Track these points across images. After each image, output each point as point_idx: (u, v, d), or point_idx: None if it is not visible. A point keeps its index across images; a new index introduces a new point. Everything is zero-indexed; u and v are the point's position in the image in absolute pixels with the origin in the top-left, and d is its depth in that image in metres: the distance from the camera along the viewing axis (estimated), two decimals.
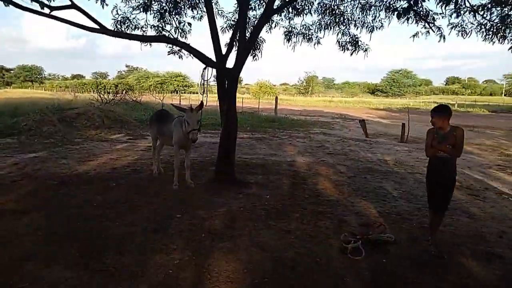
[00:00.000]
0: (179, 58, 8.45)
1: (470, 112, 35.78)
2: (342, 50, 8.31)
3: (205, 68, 7.07)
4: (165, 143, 7.64)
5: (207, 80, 7.30)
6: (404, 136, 14.13)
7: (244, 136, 14.05)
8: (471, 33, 6.45)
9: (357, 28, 7.96)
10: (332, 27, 8.09)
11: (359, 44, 8.20)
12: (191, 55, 7.12)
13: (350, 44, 8.26)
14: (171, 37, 7.85)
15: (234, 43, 7.49)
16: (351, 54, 8.28)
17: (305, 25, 8.41)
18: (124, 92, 26.22)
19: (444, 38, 6.45)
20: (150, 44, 8.24)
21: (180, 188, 6.71)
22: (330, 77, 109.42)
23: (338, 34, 8.20)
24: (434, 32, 6.60)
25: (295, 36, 8.53)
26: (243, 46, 6.78)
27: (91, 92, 36.25)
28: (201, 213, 5.41)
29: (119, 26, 7.58)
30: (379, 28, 7.69)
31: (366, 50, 8.22)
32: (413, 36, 6.82)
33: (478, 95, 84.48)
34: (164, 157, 9.08)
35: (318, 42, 8.48)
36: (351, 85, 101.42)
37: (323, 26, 8.18)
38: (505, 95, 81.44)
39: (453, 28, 6.44)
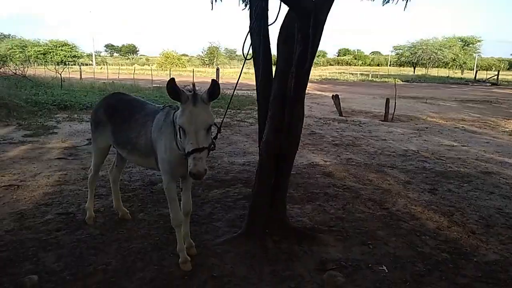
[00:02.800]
0: None
1: (387, 82, 36.53)
2: None
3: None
4: (134, 162, 3.97)
5: (270, 22, 3.50)
6: (388, 115, 11.97)
7: None
8: None
9: None
10: None
11: None
12: None
13: None
14: None
15: None
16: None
17: None
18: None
19: None
20: None
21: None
22: (232, 48, 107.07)
23: None
24: None
25: None
26: None
27: None
28: None
29: None
30: None
31: None
32: None
33: (368, 65, 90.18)
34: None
35: None
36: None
37: None
38: (390, 65, 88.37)
39: None
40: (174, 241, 3.60)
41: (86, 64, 61.74)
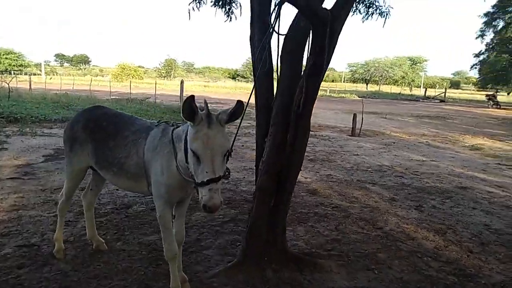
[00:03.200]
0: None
1: (345, 97, 37.67)
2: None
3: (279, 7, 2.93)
4: (120, 186, 3.30)
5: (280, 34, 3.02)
6: (355, 130, 12.12)
7: None
8: None
9: None
10: None
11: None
12: None
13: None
14: None
15: None
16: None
17: None
18: None
19: None
20: None
21: None
22: (190, 61, 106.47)
23: None
24: None
25: None
26: None
27: None
28: None
29: None
30: None
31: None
32: None
33: (324, 81, 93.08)
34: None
35: None
36: (212, 70, 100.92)
37: None
38: (345, 81, 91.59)
39: None
40: (163, 275, 3.19)
41: (34, 74, 58.11)
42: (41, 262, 3.31)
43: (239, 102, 2.22)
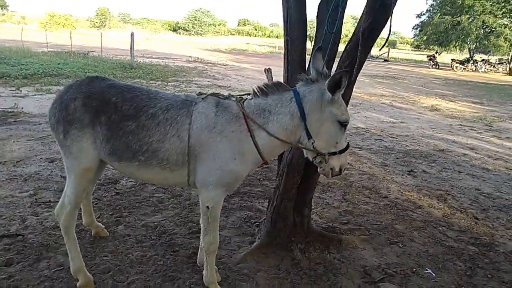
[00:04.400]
0: None
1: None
2: None
3: None
4: (147, 179, 2.68)
5: None
6: None
7: None
8: None
9: None
10: None
11: None
12: None
13: None
14: None
15: None
16: None
17: None
18: None
19: None
20: None
21: None
22: (125, 12, 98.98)
23: None
24: None
25: None
26: None
27: None
28: None
29: None
30: None
31: None
32: None
33: (267, 37, 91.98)
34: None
35: None
36: (150, 21, 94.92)
37: None
38: None
39: None
40: (185, 263, 2.84)
41: None
42: (33, 256, 2.78)
43: (345, 71, 1.97)
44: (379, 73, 22.72)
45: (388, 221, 3.81)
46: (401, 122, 8.93)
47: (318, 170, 2.29)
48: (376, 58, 40.50)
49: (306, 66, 2.93)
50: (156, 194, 3.96)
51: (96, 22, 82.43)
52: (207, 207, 2.27)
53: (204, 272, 2.55)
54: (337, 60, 2.83)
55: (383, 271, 2.97)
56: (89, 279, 2.47)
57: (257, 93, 2.25)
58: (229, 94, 2.37)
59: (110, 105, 2.22)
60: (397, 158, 5.92)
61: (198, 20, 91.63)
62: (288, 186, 3.07)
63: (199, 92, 2.35)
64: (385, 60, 38.45)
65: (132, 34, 14.30)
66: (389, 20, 2.42)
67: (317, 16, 2.91)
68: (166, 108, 2.21)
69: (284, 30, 2.92)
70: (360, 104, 11.11)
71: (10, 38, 22.40)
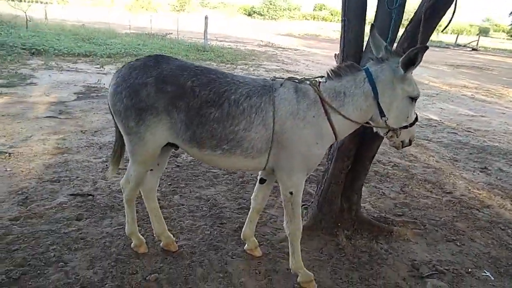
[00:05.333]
0: None
1: None
2: None
3: None
4: (229, 167, 2.43)
5: None
6: None
7: None
8: None
9: None
10: None
11: None
12: None
13: None
14: None
15: None
16: None
17: None
18: None
19: None
20: None
21: None
22: None
23: None
24: None
25: None
26: None
27: None
28: None
29: None
30: None
31: None
32: None
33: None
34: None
35: None
36: (227, 5, 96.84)
37: None
38: None
39: None
40: (229, 236, 2.96)
41: (47, 3, 56.07)
42: (99, 214, 3.10)
43: (422, 47, 2.01)
44: (464, 63, 20.76)
45: (448, 217, 3.57)
46: (482, 116, 8.14)
47: (389, 143, 2.34)
48: (463, 46, 37.10)
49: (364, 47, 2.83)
50: (212, 169, 4.14)
51: (176, 6, 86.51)
52: (290, 192, 2.27)
53: (290, 259, 2.54)
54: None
55: (433, 267, 2.81)
56: (141, 241, 2.69)
57: (331, 76, 2.23)
58: (303, 77, 2.34)
59: (186, 90, 2.11)
60: (470, 154, 5.45)
61: (273, 5, 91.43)
62: (336, 171, 3.02)
63: (274, 77, 2.30)
64: (473, 49, 35.00)
65: (206, 18, 14.77)
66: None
67: None
68: (248, 94, 2.13)
69: (342, 11, 2.82)
70: (437, 94, 10.32)
71: (100, 21, 24.44)
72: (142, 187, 2.56)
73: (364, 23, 2.84)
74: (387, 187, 4.11)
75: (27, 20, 15.59)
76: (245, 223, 2.80)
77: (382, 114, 2.16)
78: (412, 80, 2.15)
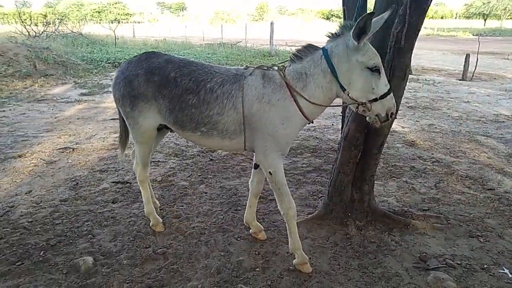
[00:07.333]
0: None
1: (456, 36, 32.97)
2: None
3: None
4: (210, 146, 2.68)
5: None
6: (467, 73, 10.49)
7: None
8: None
9: None
10: None
11: None
12: None
13: None
14: None
15: None
16: None
17: None
18: (58, 22, 19.44)
19: None
20: None
21: None
22: (282, 4, 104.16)
23: None
24: None
25: None
26: None
27: (12, 24, 27.63)
28: None
29: None
30: None
31: None
32: None
33: (430, 18, 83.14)
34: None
35: None
36: (305, 11, 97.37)
37: None
38: (457, 18, 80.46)
39: None
40: (240, 220, 3.15)
41: (138, 22, 62.22)
42: (131, 199, 3.53)
43: (368, 14, 1.94)
44: None
45: (479, 214, 3.32)
46: None
47: (367, 119, 2.30)
48: None
49: None
50: (242, 163, 4.39)
51: (255, 16, 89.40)
52: (270, 172, 2.42)
53: (289, 240, 2.65)
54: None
55: (444, 261, 2.68)
56: (158, 220, 3.03)
57: (293, 59, 2.35)
58: (272, 64, 2.51)
59: (170, 80, 2.43)
60: None
61: None
62: (343, 160, 3.04)
63: (246, 66, 2.51)
64: None
65: (271, 24, 15.17)
66: None
67: None
68: (221, 82, 2.37)
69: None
70: None
71: (181, 35, 26.44)
72: (140, 173, 2.95)
73: (365, 11, 2.84)
74: (420, 182, 3.94)
75: (115, 38, 17.59)
76: (246, 208, 2.98)
77: (342, 88, 2.18)
78: (368, 50, 2.11)
